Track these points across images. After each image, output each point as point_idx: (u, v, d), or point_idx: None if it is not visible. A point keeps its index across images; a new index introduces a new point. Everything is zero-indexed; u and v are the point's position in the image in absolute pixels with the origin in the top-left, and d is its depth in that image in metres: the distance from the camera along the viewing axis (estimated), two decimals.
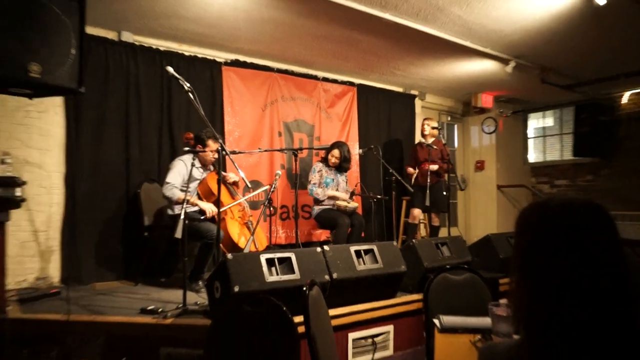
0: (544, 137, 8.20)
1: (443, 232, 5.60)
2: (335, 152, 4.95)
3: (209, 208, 3.82)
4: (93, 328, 2.68)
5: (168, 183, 3.79)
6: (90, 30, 4.10)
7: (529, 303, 0.99)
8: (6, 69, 2.13)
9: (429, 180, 5.08)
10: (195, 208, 3.92)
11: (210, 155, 3.97)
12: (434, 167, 5.33)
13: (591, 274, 0.93)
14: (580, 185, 7.60)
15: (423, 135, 5.64)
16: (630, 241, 5.12)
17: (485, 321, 1.90)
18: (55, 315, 2.81)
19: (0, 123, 3.86)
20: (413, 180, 5.66)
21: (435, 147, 5.29)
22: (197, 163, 3.91)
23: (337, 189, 5.01)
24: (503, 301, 1.76)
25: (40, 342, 1.21)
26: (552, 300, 0.95)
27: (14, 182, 2.80)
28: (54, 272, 4.08)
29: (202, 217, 3.82)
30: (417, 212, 5.64)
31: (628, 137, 7.00)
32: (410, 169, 5.65)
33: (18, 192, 2.82)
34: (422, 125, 5.66)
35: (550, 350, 0.94)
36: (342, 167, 5.02)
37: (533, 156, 8.34)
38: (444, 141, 5.32)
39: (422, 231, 6.04)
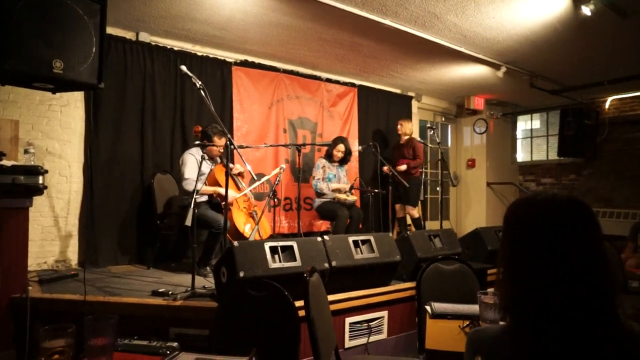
0: (531, 138, 8.17)
1: (435, 225, 5.60)
2: (341, 146, 4.97)
3: (230, 193, 3.84)
4: (107, 308, 2.70)
5: (187, 179, 3.77)
6: (110, 30, 4.08)
7: (515, 292, 0.99)
8: (31, 65, 2.13)
9: (401, 178, 5.17)
10: (205, 198, 3.92)
11: (216, 149, 3.96)
12: (402, 167, 5.43)
13: (574, 266, 0.93)
14: (564, 184, 7.59)
15: (399, 134, 5.74)
16: (609, 236, 5.12)
17: (473, 308, 1.90)
18: (72, 295, 2.83)
19: (25, 115, 3.85)
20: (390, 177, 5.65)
21: (410, 144, 5.43)
22: (205, 156, 3.90)
23: (339, 183, 5.02)
24: (490, 290, 1.77)
25: (58, 320, 1.22)
26: (537, 290, 0.95)
27: (37, 170, 2.81)
28: (72, 255, 4.09)
29: (219, 201, 3.84)
30: (398, 206, 5.77)
31: (608, 140, 6.99)
32: (385, 168, 5.60)
33: (40, 180, 2.83)
34: (398, 124, 5.77)
35: (534, 335, 0.94)
36: (345, 160, 5.03)
37: (521, 156, 8.32)
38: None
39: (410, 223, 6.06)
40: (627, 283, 3.21)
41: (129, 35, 4.38)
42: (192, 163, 3.84)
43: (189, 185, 3.76)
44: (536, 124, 8.14)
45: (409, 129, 5.72)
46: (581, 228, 0.96)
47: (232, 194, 3.90)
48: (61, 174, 4.05)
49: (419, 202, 5.77)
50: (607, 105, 7.04)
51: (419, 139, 5.88)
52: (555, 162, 7.67)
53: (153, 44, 4.48)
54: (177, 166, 4.04)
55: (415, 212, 5.63)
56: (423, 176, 5.24)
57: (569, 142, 6.72)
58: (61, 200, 4.04)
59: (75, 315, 2.31)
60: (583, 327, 0.91)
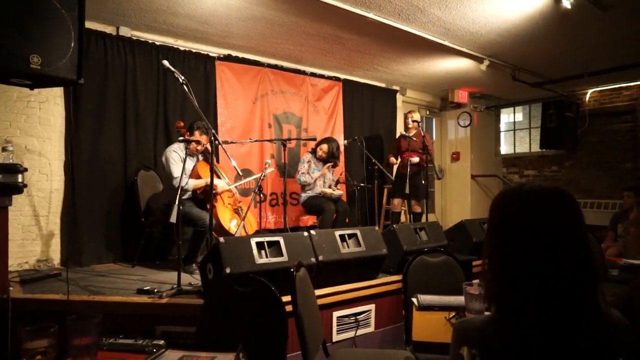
0: (514, 131, 8.28)
1: (422, 218, 5.63)
2: (324, 146, 4.92)
3: (220, 184, 3.90)
4: (92, 307, 2.66)
5: (177, 177, 3.70)
6: (90, 25, 4.00)
7: (501, 282, 1.00)
8: (8, 60, 2.07)
9: (409, 170, 5.08)
10: (189, 195, 3.88)
11: (194, 146, 3.87)
12: (415, 159, 5.33)
13: (558, 256, 0.94)
14: (546, 175, 7.72)
15: (406, 128, 5.65)
16: (590, 226, 5.23)
17: (459, 299, 1.92)
18: (55, 295, 2.78)
19: (2, 112, 3.76)
20: (395, 169, 5.69)
21: (415, 139, 5.29)
22: (187, 152, 3.85)
23: (324, 180, 4.99)
24: (476, 281, 1.78)
25: (40, 321, 1.19)
26: (522, 280, 0.96)
27: (16, 168, 2.74)
28: (55, 254, 4.02)
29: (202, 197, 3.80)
30: (397, 201, 5.66)
31: (589, 132, 7.11)
32: (393, 159, 5.67)
33: (20, 178, 2.76)
34: (406, 117, 5.66)
35: (519, 325, 0.95)
36: (329, 162, 4.98)
37: (504, 148, 8.42)
38: (422, 133, 5.31)
39: (403, 218, 6.07)
40: (607, 272, 3.28)
41: (109, 29, 4.30)
42: (178, 160, 3.79)
43: (182, 183, 3.71)
44: (519, 116, 8.25)
45: (416, 122, 5.57)
46: (566, 219, 0.97)
47: (223, 184, 3.95)
48: (41, 171, 3.97)
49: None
50: (587, 98, 7.16)
51: (405, 132, 5.73)
52: (537, 154, 7.79)
53: (134, 38, 4.41)
54: (161, 163, 4.00)
55: (419, 207, 5.63)
56: (409, 169, 5.20)
57: (550, 134, 6.83)
58: (42, 198, 3.96)
59: (58, 315, 2.26)
60: (566, 316, 0.93)
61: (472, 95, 7.55)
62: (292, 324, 1.82)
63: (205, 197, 3.91)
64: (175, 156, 3.81)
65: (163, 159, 3.89)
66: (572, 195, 1.00)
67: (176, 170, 3.74)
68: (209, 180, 3.77)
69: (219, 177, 4.12)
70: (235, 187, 4.16)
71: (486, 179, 7.86)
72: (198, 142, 3.84)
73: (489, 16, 4.22)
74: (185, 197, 3.81)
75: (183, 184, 3.68)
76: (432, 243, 3.71)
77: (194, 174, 3.94)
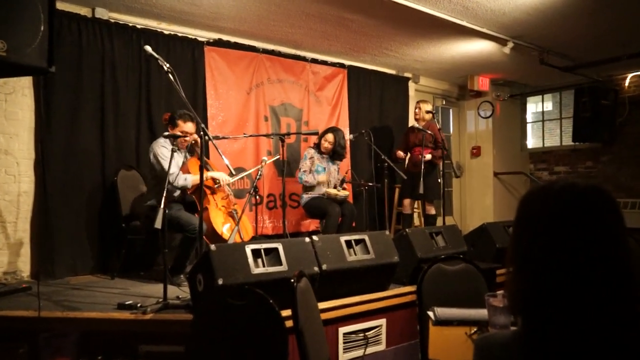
0: (543, 122, 8.25)
1: (437, 222, 5.62)
2: (329, 136, 4.93)
3: (222, 177, 3.97)
4: (66, 325, 2.66)
5: (172, 173, 3.67)
6: (61, 5, 4.01)
7: (528, 292, 0.99)
8: None
9: (423, 168, 5.05)
10: (177, 196, 3.89)
11: (182, 138, 3.86)
12: (428, 156, 5.29)
13: (595, 262, 0.93)
14: (580, 172, 7.68)
15: (416, 119, 5.63)
16: (632, 229, 5.19)
17: (481, 313, 1.91)
18: (24, 312, 2.78)
19: None
20: (406, 167, 5.68)
21: (428, 131, 5.27)
22: (175, 148, 3.84)
23: (329, 178, 5.00)
24: (500, 292, 1.78)
25: (8, 340, 1.20)
26: (553, 289, 0.95)
27: None
28: (24, 265, 4.03)
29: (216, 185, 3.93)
30: (407, 202, 5.65)
31: (629, 122, 7.07)
32: (401, 153, 5.65)
33: None
34: (416, 107, 5.65)
35: (548, 340, 0.94)
36: (335, 153, 4.99)
37: (531, 142, 8.40)
38: (438, 126, 5.30)
39: (416, 221, 6.06)
40: None
41: (84, 11, 4.31)
42: (167, 154, 3.77)
43: (180, 180, 3.76)
44: (548, 105, 8.22)
45: (430, 112, 5.54)
46: (603, 220, 0.96)
47: (224, 176, 4.02)
48: (8, 172, 3.98)
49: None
50: (626, 83, 7.12)
51: (437, 123, 5.48)
52: (569, 148, 7.76)
53: (112, 21, 4.42)
54: (146, 161, 4.00)
55: (433, 208, 5.61)
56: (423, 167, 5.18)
57: (584, 125, 6.79)
58: (9, 202, 3.98)
59: (29, 335, 2.28)
60: (602, 331, 0.92)
61: (495, 82, 7.53)
62: (292, 342, 1.82)
63: (215, 184, 4.00)
64: (165, 151, 3.80)
65: (151, 155, 3.84)
66: (609, 192, 0.99)
67: (171, 164, 3.72)
68: (208, 174, 3.81)
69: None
70: (225, 188, 4.15)
71: (511, 177, 7.84)
72: (185, 134, 3.83)
73: None
74: (172, 199, 3.81)
75: (181, 181, 3.70)
76: (449, 249, 3.71)
77: (185, 172, 3.94)
